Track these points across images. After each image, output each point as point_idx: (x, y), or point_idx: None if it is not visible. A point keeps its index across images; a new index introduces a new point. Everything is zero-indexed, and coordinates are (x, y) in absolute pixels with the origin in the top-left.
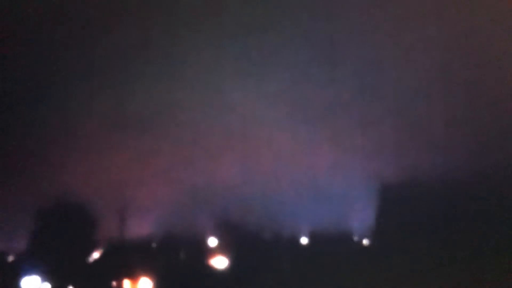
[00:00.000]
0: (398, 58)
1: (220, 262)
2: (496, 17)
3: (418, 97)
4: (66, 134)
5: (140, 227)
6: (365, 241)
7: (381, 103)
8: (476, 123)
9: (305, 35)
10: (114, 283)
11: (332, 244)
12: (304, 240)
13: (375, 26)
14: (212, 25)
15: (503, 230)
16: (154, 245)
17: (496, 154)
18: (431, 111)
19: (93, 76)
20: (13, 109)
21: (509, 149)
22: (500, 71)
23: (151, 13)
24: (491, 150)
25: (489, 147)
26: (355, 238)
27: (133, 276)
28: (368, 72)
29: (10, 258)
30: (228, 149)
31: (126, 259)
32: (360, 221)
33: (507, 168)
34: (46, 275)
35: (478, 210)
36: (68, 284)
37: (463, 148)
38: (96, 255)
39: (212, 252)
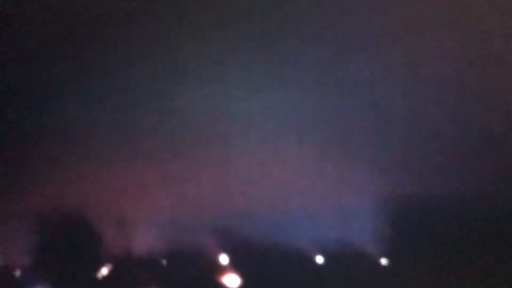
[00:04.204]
0: (407, 67)
1: (232, 281)
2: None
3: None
4: (69, 142)
5: (150, 243)
6: (383, 261)
7: (391, 113)
8: (492, 131)
9: (312, 41)
10: None
11: (349, 264)
12: (319, 259)
13: (383, 36)
14: (217, 30)
15: None
16: (164, 261)
17: None
18: (443, 120)
19: (93, 81)
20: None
21: None
22: None
23: (155, 18)
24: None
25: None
26: (373, 258)
27: None
28: (377, 81)
29: (17, 273)
30: (237, 162)
31: (135, 275)
32: (377, 239)
33: None
34: None
35: (504, 227)
36: None
37: (480, 157)
38: (104, 270)
39: (223, 269)
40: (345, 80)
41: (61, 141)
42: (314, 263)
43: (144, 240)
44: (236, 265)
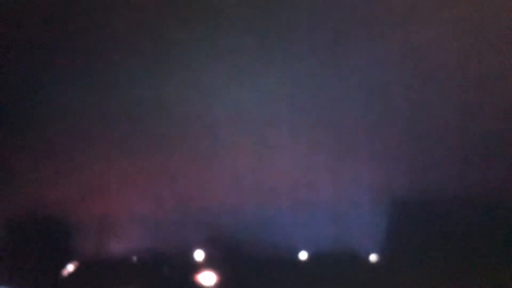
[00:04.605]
0: (406, 55)
1: (207, 279)
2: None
3: (429, 97)
4: (42, 135)
5: (119, 239)
6: (372, 257)
7: (389, 104)
8: (494, 125)
9: (306, 29)
10: None
11: (335, 260)
12: (303, 255)
13: (381, 20)
14: (206, 18)
15: None
16: (134, 259)
17: None
18: (443, 111)
19: (72, 71)
20: None
21: None
22: None
23: (142, 6)
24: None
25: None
26: (361, 254)
27: None
28: (375, 69)
29: None
30: (219, 152)
31: (103, 273)
32: (365, 235)
33: None
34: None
35: (498, 225)
36: None
37: (479, 154)
38: (70, 268)
39: (198, 267)
40: (341, 68)
41: (37, 133)
42: (305, 260)
43: (126, 239)
44: (224, 264)
